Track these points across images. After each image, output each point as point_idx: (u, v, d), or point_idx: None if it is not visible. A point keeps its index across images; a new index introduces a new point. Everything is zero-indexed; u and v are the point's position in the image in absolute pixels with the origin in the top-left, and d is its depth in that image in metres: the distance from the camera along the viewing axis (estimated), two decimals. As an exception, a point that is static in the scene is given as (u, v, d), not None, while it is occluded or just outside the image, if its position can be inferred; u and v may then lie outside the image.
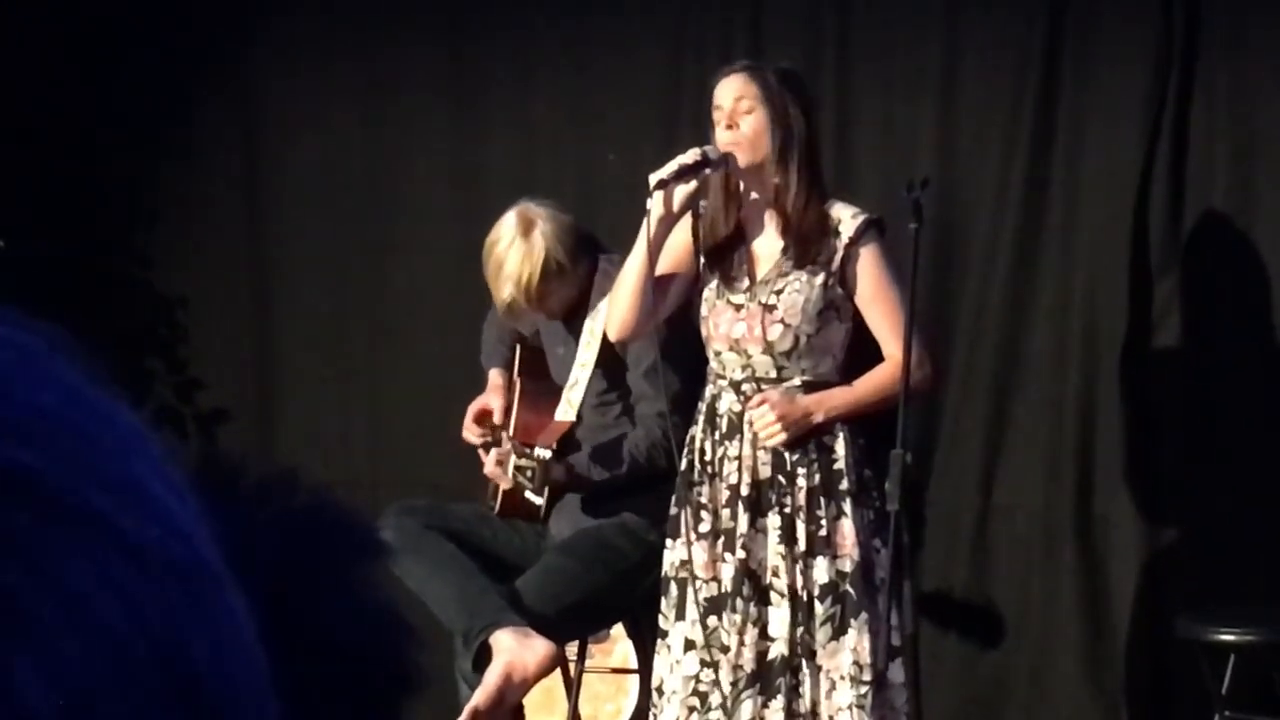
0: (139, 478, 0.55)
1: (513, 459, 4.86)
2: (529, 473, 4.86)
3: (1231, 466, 5.10)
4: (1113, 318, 5.21)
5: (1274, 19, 5.08)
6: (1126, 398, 5.21)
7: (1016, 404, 5.34)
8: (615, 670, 5.50)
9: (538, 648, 4.69)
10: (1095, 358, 5.24)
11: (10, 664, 0.49)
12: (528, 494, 4.91)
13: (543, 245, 4.86)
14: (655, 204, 4.46)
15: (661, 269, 4.61)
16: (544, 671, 4.77)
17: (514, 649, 4.67)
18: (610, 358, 4.94)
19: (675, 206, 4.47)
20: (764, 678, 4.51)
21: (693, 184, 4.45)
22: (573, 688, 5.16)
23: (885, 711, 4.50)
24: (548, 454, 4.87)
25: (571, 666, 5.15)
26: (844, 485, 4.52)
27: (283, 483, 0.68)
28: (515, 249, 4.86)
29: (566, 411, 5.01)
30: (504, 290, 4.89)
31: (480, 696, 4.65)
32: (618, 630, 5.39)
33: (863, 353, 4.61)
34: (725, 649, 4.54)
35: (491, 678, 4.64)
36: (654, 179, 4.44)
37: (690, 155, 4.45)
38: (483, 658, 4.68)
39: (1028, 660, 5.34)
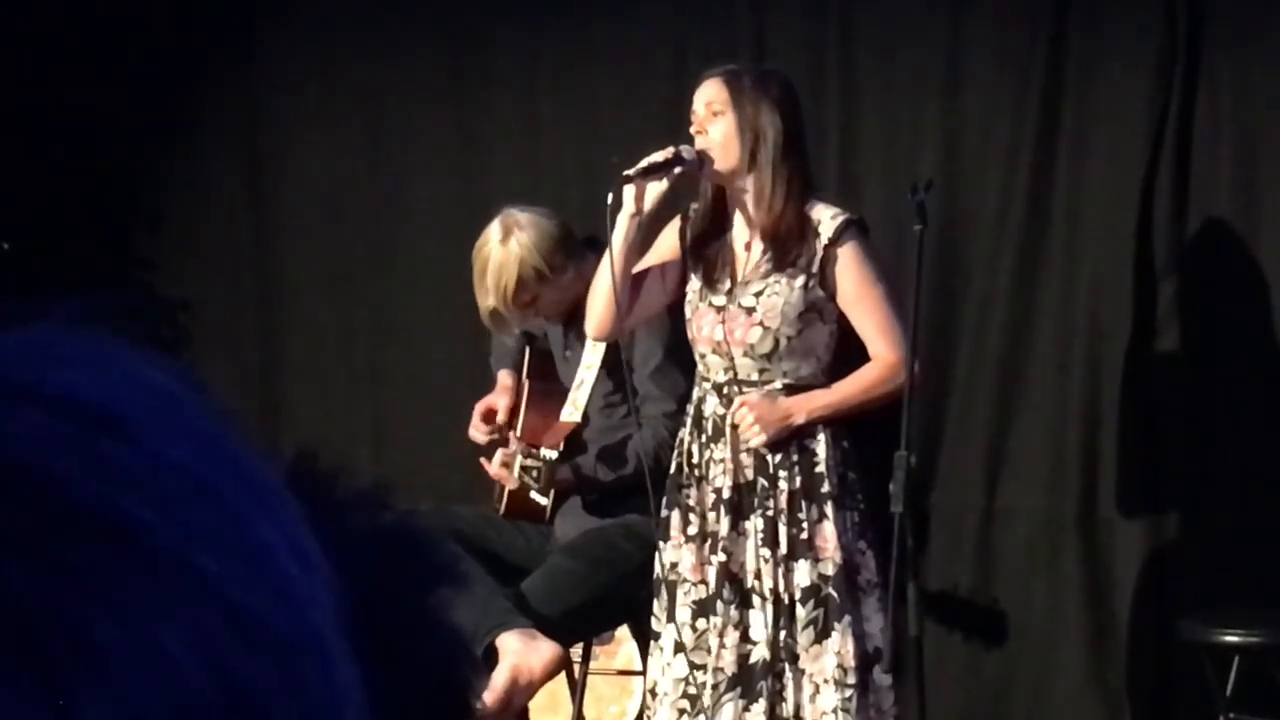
0: (262, 543, 0.54)
1: (519, 459, 4.88)
2: (535, 473, 4.87)
3: (1235, 468, 5.10)
4: (1116, 319, 5.21)
5: (1278, 19, 5.08)
6: (1130, 399, 5.21)
7: (1020, 406, 5.34)
8: (620, 672, 5.50)
9: (544, 650, 4.70)
10: (1099, 359, 5.24)
11: (87, 715, 0.49)
12: (533, 494, 4.92)
13: (518, 254, 4.89)
14: (626, 199, 4.46)
15: (650, 270, 4.62)
16: (550, 673, 4.77)
17: (520, 651, 4.67)
18: (616, 359, 4.95)
19: (646, 204, 4.46)
20: (745, 681, 4.50)
21: (664, 183, 4.45)
22: (577, 689, 5.17)
23: (872, 713, 4.50)
24: (553, 455, 4.88)
25: (576, 668, 5.15)
26: (825, 488, 4.51)
27: (371, 499, 0.68)
28: (494, 258, 4.90)
29: (572, 413, 5.02)
30: (486, 299, 4.93)
31: (487, 699, 4.65)
32: (622, 632, 5.40)
33: (852, 354, 4.61)
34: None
35: (498, 680, 4.65)
36: (625, 174, 4.45)
37: (662, 154, 4.45)
38: (488, 660, 4.68)
39: (1031, 661, 5.34)
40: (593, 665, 5.27)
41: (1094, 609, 5.24)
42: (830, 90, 5.52)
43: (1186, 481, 5.16)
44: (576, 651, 5.11)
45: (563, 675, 5.06)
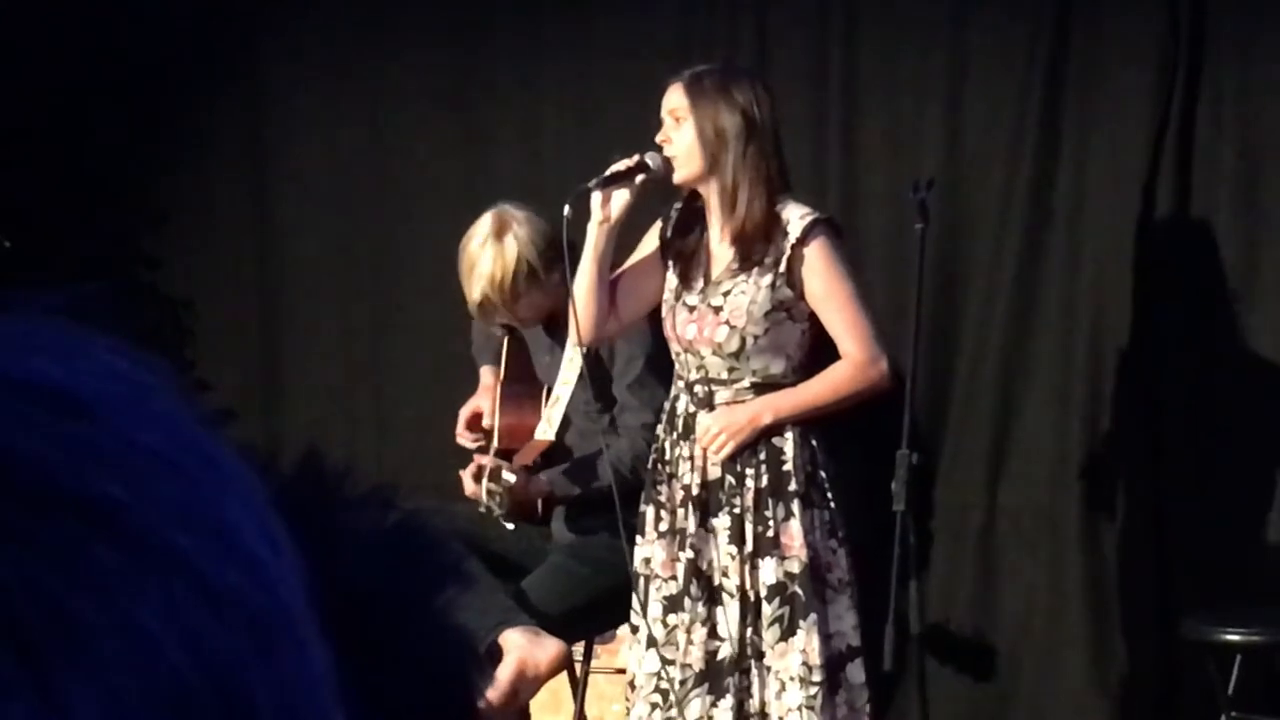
0: (230, 523, 0.55)
1: (485, 483, 4.84)
2: (497, 498, 4.82)
3: (1237, 467, 5.10)
4: (1118, 318, 5.21)
5: (1279, 19, 5.09)
6: (1131, 398, 5.22)
7: (1022, 404, 5.35)
8: (621, 671, 5.51)
9: (549, 646, 4.70)
10: (1100, 358, 5.24)
11: (69, 691, 0.50)
12: (497, 516, 4.87)
13: (516, 248, 4.88)
14: (594, 207, 4.47)
15: (631, 271, 4.63)
16: (555, 669, 4.77)
17: (526, 646, 4.68)
18: (597, 371, 4.94)
19: (613, 213, 4.48)
20: (712, 677, 4.51)
21: (626, 192, 4.46)
22: (579, 688, 5.17)
23: (845, 711, 4.50)
24: (513, 479, 4.82)
25: (578, 667, 5.15)
26: (792, 486, 4.50)
27: (379, 498, 0.69)
28: (488, 249, 4.89)
29: (545, 430, 4.99)
30: (475, 289, 4.91)
31: (492, 694, 4.64)
32: (623, 631, 5.39)
33: (829, 353, 4.60)
34: None
35: (504, 674, 4.65)
36: (587, 185, 4.46)
37: (624, 162, 4.46)
38: (492, 658, 4.68)
39: (1033, 660, 5.34)
40: (594, 664, 5.27)
41: (1096, 608, 5.25)
42: (832, 89, 5.52)
43: (1188, 480, 5.16)
44: (578, 650, 5.11)
45: (564, 674, 5.06)
